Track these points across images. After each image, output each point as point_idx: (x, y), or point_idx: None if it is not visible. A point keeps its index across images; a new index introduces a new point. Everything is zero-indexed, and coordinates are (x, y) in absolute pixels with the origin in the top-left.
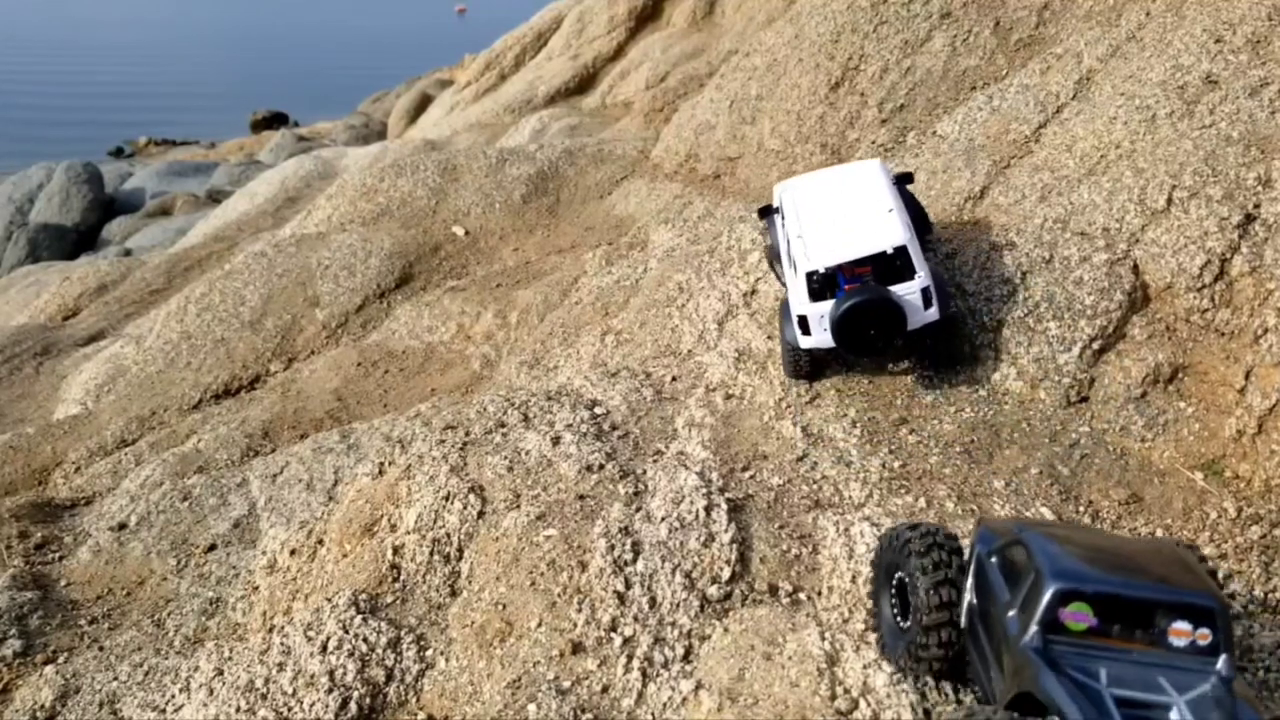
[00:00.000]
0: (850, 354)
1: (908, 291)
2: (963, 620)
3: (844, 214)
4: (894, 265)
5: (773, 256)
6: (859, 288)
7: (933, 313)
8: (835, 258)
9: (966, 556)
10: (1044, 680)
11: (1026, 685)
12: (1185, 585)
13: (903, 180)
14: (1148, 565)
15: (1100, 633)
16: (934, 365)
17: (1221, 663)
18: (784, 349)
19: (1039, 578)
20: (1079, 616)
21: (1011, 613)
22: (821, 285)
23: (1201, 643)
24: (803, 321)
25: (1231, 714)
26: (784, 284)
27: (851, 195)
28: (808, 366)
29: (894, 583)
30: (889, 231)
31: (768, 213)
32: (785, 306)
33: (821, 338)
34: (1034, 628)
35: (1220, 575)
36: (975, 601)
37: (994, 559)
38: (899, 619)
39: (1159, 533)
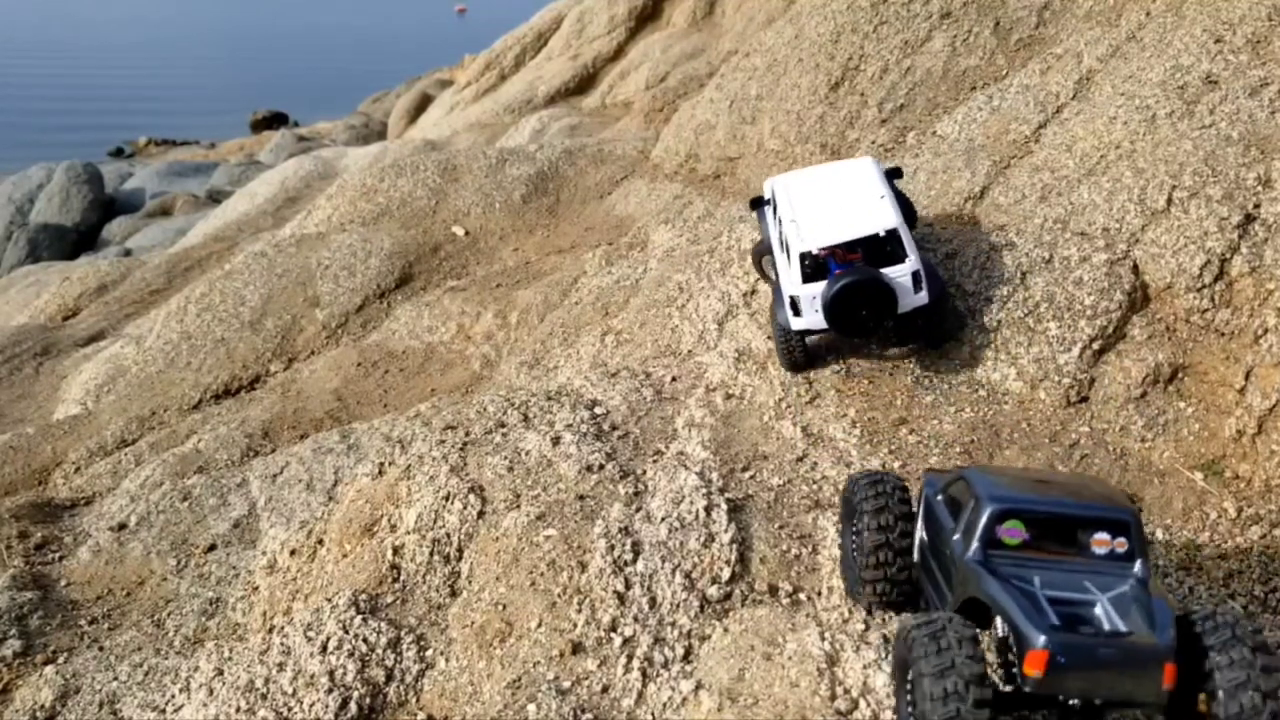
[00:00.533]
0: (841, 334)
1: (899, 274)
2: (915, 555)
3: (836, 200)
4: (885, 249)
5: (760, 252)
6: (851, 269)
7: (922, 296)
8: (828, 239)
9: (916, 502)
10: (987, 585)
11: (972, 592)
12: (1104, 502)
13: (892, 174)
14: (1071, 489)
15: (1033, 546)
16: (926, 346)
17: (1137, 566)
18: (776, 335)
19: (978, 502)
20: (1014, 533)
21: (956, 537)
22: (814, 268)
23: (1119, 550)
24: (794, 303)
25: (1147, 607)
26: (770, 280)
27: (843, 184)
28: (801, 352)
29: (853, 526)
30: (880, 215)
31: (759, 204)
32: (777, 292)
33: (813, 319)
34: (975, 544)
35: (1222, 575)
36: (926, 538)
37: (940, 498)
38: (855, 555)
39: (1159, 533)
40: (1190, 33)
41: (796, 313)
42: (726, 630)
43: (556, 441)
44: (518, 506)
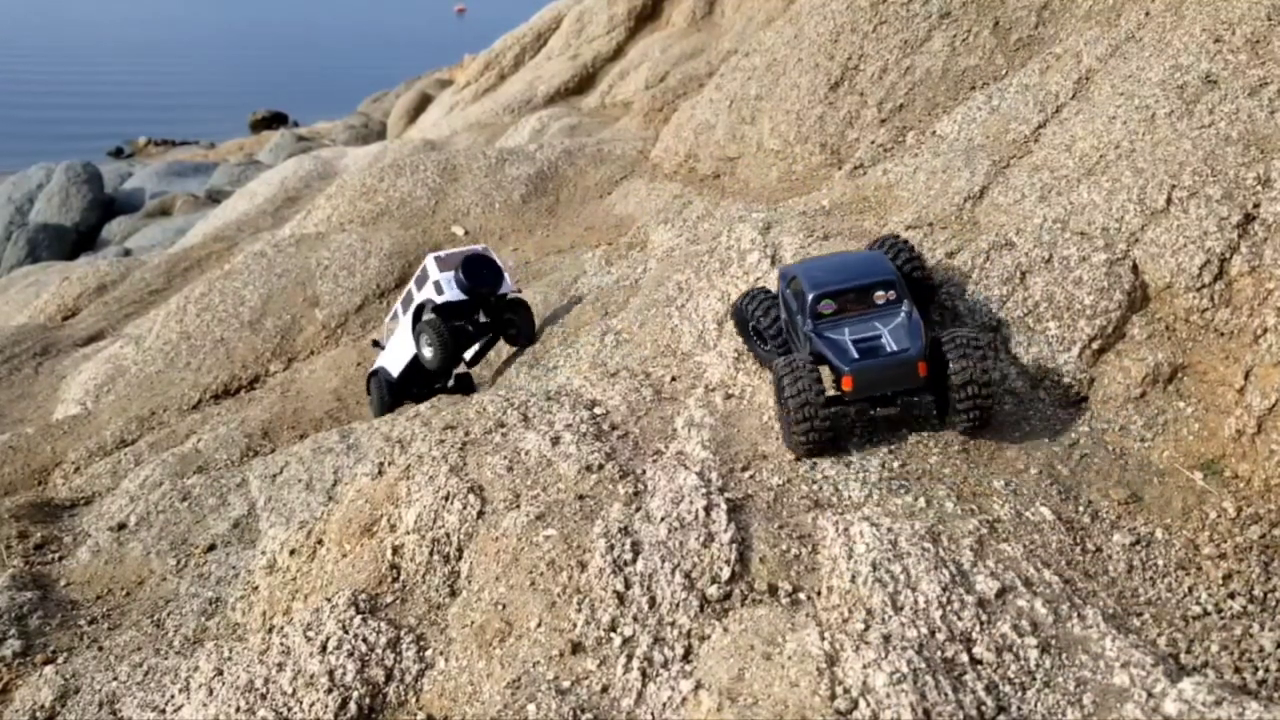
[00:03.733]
0: (472, 291)
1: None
2: (783, 328)
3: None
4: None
5: (387, 386)
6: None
7: (510, 284)
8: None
9: (777, 293)
10: (816, 344)
11: (810, 348)
12: (878, 270)
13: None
14: (860, 267)
15: (839, 311)
16: (522, 341)
17: (904, 305)
18: (431, 338)
19: (804, 290)
20: (827, 306)
21: (798, 316)
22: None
23: (891, 299)
24: (437, 286)
25: (910, 331)
26: (382, 406)
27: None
28: (452, 342)
29: (749, 324)
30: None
31: (378, 344)
32: (422, 319)
33: (453, 290)
34: (808, 319)
35: (1222, 575)
36: (785, 316)
37: (788, 290)
38: (756, 337)
39: (1158, 532)
40: (1190, 32)
41: (439, 291)
42: (726, 630)
43: (556, 441)
44: (517, 506)
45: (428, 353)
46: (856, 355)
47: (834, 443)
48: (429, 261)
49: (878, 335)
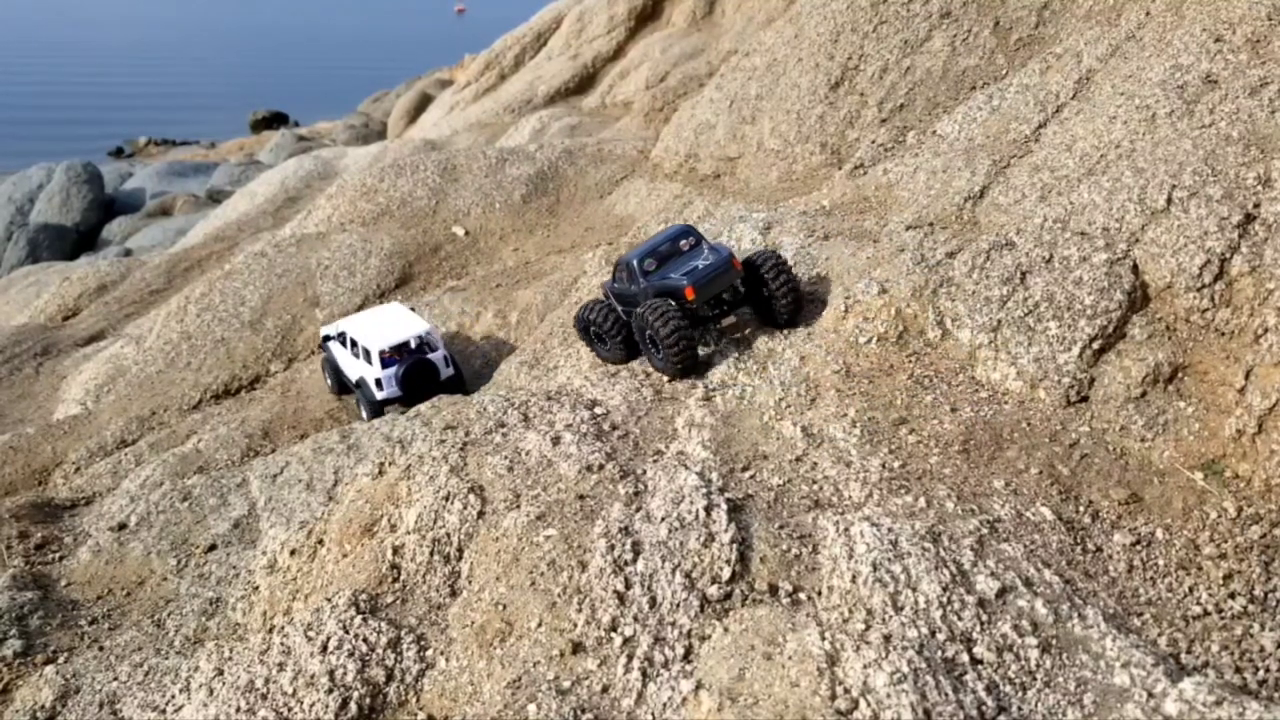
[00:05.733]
0: (408, 395)
1: (436, 357)
2: (623, 319)
3: (387, 322)
4: (423, 344)
5: (333, 370)
6: (411, 356)
7: (450, 370)
8: (391, 341)
9: (606, 301)
10: (654, 288)
11: (651, 295)
12: (679, 229)
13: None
14: (664, 233)
15: (659, 264)
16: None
17: (704, 245)
18: (365, 404)
19: (630, 265)
20: (649, 264)
21: (633, 284)
22: (386, 361)
23: (694, 244)
24: (378, 382)
25: (717, 253)
26: (335, 384)
27: (388, 315)
28: (381, 411)
29: (592, 329)
30: (417, 324)
31: (328, 339)
32: (362, 387)
33: (391, 390)
34: (640, 278)
35: (1222, 575)
36: (620, 308)
37: (616, 285)
38: (599, 340)
39: (1158, 532)
40: (1190, 32)
41: (380, 387)
42: (726, 630)
43: (556, 441)
44: (518, 506)
45: (363, 413)
46: (686, 276)
47: (697, 360)
48: (373, 349)
49: (694, 265)
